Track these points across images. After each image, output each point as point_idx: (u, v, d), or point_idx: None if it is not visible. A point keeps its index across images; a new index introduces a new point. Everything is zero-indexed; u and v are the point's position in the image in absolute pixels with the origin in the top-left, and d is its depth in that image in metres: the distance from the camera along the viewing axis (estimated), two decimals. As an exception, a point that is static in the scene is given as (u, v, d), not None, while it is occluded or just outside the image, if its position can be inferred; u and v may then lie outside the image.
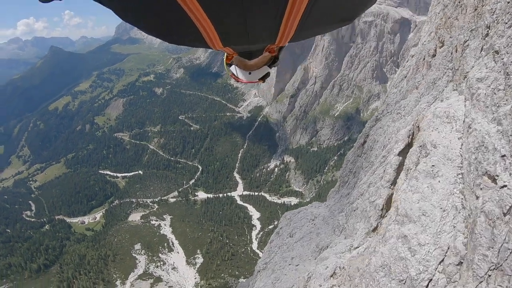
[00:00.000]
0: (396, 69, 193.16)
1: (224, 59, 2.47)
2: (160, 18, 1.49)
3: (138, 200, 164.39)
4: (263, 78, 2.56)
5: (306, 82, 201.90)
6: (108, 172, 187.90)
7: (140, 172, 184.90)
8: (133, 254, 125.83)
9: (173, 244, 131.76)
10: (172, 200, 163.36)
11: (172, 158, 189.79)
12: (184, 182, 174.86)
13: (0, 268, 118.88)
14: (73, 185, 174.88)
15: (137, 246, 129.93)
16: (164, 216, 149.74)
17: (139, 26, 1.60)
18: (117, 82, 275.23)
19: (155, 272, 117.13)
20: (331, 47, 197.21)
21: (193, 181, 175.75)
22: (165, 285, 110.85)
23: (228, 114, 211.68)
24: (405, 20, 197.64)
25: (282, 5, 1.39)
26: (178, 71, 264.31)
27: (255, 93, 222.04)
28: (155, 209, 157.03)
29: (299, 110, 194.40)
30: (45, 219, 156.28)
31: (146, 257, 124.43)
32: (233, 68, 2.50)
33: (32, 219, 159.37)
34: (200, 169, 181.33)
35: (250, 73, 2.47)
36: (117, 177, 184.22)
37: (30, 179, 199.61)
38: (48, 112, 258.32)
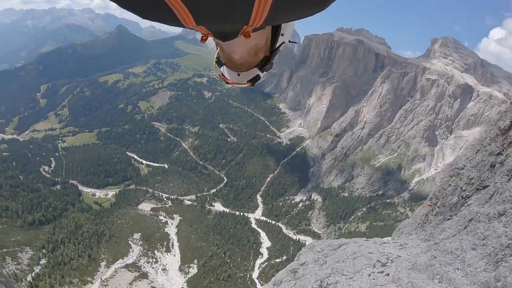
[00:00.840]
0: (449, 135, 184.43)
1: (214, 58, 2.51)
2: None
3: (154, 191, 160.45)
4: (253, 81, 2.55)
5: (355, 125, 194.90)
6: (135, 156, 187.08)
7: (165, 165, 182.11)
8: (129, 241, 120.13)
9: (172, 245, 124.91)
10: (187, 202, 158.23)
11: (200, 162, 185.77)
12: (205, 189, 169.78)
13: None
14: (97, 157, 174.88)
15: (136, 236, 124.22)
16: (174, 215, 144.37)
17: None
18: (170, 75, 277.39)
19: (143, 266, 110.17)
20: (388, 96, 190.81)
21: (214, 190, 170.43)
22: (148, 283, 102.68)
23: (268, 136, 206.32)
24: (468, 87, 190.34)
25: None
26: None
27: (300, 123, 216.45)
28: (167, 205, 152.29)
29: (340, 151, 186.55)
30: (59, 179, 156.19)
31: (141, 248, 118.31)
32: (223, 69, 2.51)
33: (47, 175, 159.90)
34: (225, 181, 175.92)
35: (239, 75, 2.47)
36: (141, 163, 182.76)
37: (60, 138, 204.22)
38: (97, 83, 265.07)
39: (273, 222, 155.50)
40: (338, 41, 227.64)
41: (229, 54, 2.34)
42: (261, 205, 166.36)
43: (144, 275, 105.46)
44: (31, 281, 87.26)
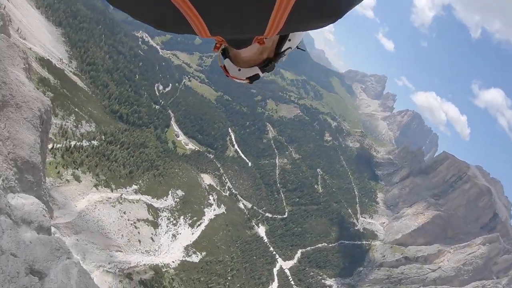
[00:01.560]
0: None
1: (214, 50, 2.52)
2: (148, 7, 1.56)
3: (223, 175, 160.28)
4: (251, 79, 2.70)
5: (428, 262, 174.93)
6: (233, 136, 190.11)
7: (249, 163, 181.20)
8: (170, 191, 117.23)
9: (198, 226, 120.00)
10: (241, 205, 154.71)
11: (279, 185, 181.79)
12: (264, 208, 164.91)
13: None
14: (204, 113, 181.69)
15: (179, 192, 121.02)
16: (222, 205, 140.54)
17: (127, 11, 1.67)
18: (309, 99, 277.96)
19: (161, 218, 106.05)
20: (477, 260, 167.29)
21: (269, 215, 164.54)
22: (151, 233, 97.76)
23: (349, 211, 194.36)
24: None
25: None
26: (354, 143, 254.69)
27: (383, 223, 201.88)
28: (223, 194, 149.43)
29: (398, 275, 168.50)
30: (162, 102, 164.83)
31: (173, 204, 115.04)
32: (226, 61, 2.58)
33: (157, 93, 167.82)
34: (285, 216, 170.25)
35: (239, 70, 2.55)
36: (233, 145, 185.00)
37: (189, 77, 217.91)
38: None
39: (293, 282, 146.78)
40: (469, 177, 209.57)
41: (237, 51, 2.36)
42: (295, 260, 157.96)
43: (155, 224, 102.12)
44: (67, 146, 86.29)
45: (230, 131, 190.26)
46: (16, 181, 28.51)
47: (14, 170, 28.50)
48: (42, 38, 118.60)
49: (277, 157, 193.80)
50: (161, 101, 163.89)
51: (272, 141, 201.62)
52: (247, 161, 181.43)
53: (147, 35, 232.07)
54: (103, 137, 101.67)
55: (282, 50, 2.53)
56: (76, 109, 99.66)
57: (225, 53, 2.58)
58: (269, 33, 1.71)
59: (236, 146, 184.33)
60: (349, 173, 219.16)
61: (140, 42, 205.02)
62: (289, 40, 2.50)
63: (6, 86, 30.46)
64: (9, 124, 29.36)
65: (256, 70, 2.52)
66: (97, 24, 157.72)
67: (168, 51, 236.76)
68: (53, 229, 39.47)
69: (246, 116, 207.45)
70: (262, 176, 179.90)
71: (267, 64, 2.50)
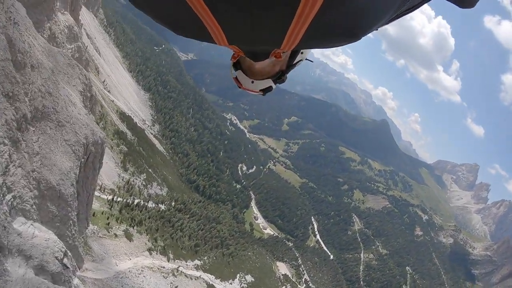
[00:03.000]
0: None
1: (231, 60, 2.54)
2: (168, 10, 1.63)
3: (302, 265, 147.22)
4: (264, 91, 2.65)
5: None
6: (315, 226, 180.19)
7: (331, 256, 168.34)
8: (238, 275, 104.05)
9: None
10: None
11: (362, 283, 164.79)
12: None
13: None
14: (285, 197, 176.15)
15: (248, 278, 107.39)
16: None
17: (148, 13, 1.74)
18: (398, 191, 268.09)
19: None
20: None
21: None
22: None
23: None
24: None
25: (290, 12, 1.46)
26: (447, 238, 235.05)
27: None
28: (303, 286, 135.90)
29: None
30: (244, 183, 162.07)
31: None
32: (238, 73, 2.57)
33: (239, 172, 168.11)
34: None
35: (253, 82, 2.54)
36: (315, 235, 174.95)
37: (275, 162, 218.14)
38: (336, 148, 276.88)
39: None
40: None
41: (251, 61, 2.39)
42: None
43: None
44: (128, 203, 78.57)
45: (313, 219, 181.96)
46: (33, 206, 24.11)
47: (34, 193, 24.14)
48: (128, 96, 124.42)
49: (362, 252, 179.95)
50: (243, 181, 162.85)
51: (357, 234, 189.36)
52: (329, 253, 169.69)
53: (235, 118, 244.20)
54: (173, 203, 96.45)
55: (295, 62, 2.58)
56: (150, 170, 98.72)
57: (236, 65, 2.55)
58: (285, 47, 1.75)
59: (318, 236, 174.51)
60: (442, 272, 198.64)
61: (228, 123, 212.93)
62: (302, 53, 2.55)
63: (50, 98, 26.94)
64: (43, 139, 25.39)
65: (269, 83, 2.51)
66: (186, 97, 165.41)
67: (256, 135, 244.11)
68: (76, 280, 32.64)
69: (331, 205, 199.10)
70: (344, 271, 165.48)
71: (279, 77, 2.49)
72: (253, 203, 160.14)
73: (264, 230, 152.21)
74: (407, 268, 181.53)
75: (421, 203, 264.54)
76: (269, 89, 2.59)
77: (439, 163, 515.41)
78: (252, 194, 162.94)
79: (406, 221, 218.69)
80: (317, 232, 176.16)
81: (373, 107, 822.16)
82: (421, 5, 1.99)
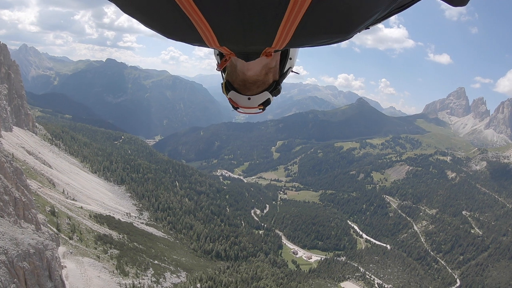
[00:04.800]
0: None
1: (223, 82, 2.58)
2: (158, 14, 1.62)
3: (366, 272, 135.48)
4: (264, 105, 2.63)
5: None
6: (355, 227, 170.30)
7: (388, 246, 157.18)
8: None
9: None
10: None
11: (431, 253, 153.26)
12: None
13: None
14: (313, 216, 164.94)
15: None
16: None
17: (137, 19, 1.72)
18: (409, 151, 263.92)
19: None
20: None
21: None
22: None
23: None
24: None
25: (280, 11, 1.48)
26: (480, 164, 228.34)
27: None
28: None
29: None
30: (265, 225, 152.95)
31: None
32: (231, 93, 2.53)
33: (256, 218, 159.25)
34: (457, 285, 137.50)
35: (249, 98, 2.51)
36: (361, 236, 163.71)
37: (283, 190, 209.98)
38: (332, 147, 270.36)
39: None
40: None
41: (243, 72, 2.36)
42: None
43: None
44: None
45: (350, 223, 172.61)
46: None
47: None
48: (100, 196, 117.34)
49: (413, 225, 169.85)
50: (263, 224, 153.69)
51: (399, 211, 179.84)
52: (384, 245, 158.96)
53: (226, 171, 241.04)
54: (198, 285, 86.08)
55: (285, 70, 2.60)
56: (156, 261, 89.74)
57: (228, 87, 2.53)
58: (276, 45, 1.76)
59: (364, 236, 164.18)
60: (495, 195, 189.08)
61: (221, 179, 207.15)
62: (290, 58, 2.60)
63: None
64: None
65: (267, 95, 2.49)
66: (165, 173, 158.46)
67: (253, 177, 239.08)
68: None
69: (359, 199, 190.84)
70: (409, 252, 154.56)
71: (275, 87, 2.49)
72: (284, 240, 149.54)
73: (310, 260, 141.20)
74: (463, 212, 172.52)
75: (436, 149, 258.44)
76: (267, 102, 2.55)
77: (428, 108, 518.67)
78: (278, 232, 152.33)
79: (434, 172, 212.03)
80: (361, 233, 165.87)
81: (343, 95, 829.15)
82: (412, 4, 1.99)
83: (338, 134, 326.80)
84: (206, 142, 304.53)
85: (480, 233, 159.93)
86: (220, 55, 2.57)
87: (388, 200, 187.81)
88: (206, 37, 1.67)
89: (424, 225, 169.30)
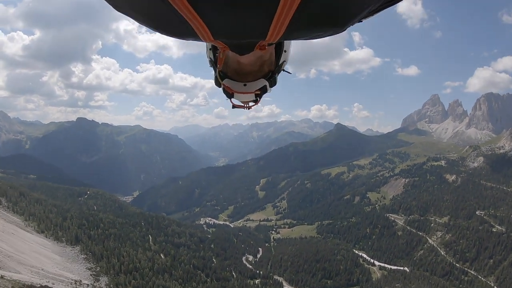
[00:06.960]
0: None
1: (217, 71, 2.53)
2: (150, 10, 1.62)
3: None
4: (261, 92, 2.57)
5: None
6: (364, 255, 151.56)
7: (406, 268, 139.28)
8: None
9: None
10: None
11: (457, 264, 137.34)
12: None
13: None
14: (314, 252, 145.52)
15: None
16: None
17: (131, 16, 1.73)
18: (400, 164, 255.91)
19: None
20: None
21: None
22: None
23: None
24: None
25: (274, 4, 1.47)
26: (477, 160, 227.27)
27: None
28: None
29: None
30: (260, 272, 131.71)
31: None
32: (226, 81, 2.49)
33: (249, 265, 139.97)
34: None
35: (245, 85, 2.47)
36: (373, 264, 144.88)
37: (275, 229, 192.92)
38: (319, 176, 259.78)
39: None
40: None
41: (237, 60, 2.34)
42: None
43: None
44: None
45: (356, 251, 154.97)
46: None
47: None
48: (41, 262, 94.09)
49: (428, 239, 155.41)
50: (258, 271, 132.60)
51: (408, 227, 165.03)
52: (402, 268, 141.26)
53: (210, 218, 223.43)
54: None
55: (280, 63, 2.55)
56: None
57: (218, 82, 2.52)
58: (271, 39, 1.75)
59: (377, 263, 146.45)
60: (503, 187, 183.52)
61: (205, 227, 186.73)
62: (285, 51, 2.56)
63: None
64: None
65: (263, 82, 2.44)
66: (134, 227, 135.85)
67: (240, 220, 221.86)
68: None
69: (360, 224, 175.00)
70: (432, 270, 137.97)
71: (271, 75, 2.46)
72: (287, 286, 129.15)
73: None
74: (477, 213, 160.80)
75: (427, 157, 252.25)
76: (264, 89, 2.50)
77: (406, 121, 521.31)
78: (278, 278, 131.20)
79: (432, 178, 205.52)
80: (372, 260, 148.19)
81: (319, 126, 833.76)
82: None
83: (323, 162, 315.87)
84: (186, 191, 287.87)
85: (503, 229, 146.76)
86: (213, 49, 2.60)
87: (393, 218, 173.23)
88: (200, 32, 1.66)
89: (439, 236, 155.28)
